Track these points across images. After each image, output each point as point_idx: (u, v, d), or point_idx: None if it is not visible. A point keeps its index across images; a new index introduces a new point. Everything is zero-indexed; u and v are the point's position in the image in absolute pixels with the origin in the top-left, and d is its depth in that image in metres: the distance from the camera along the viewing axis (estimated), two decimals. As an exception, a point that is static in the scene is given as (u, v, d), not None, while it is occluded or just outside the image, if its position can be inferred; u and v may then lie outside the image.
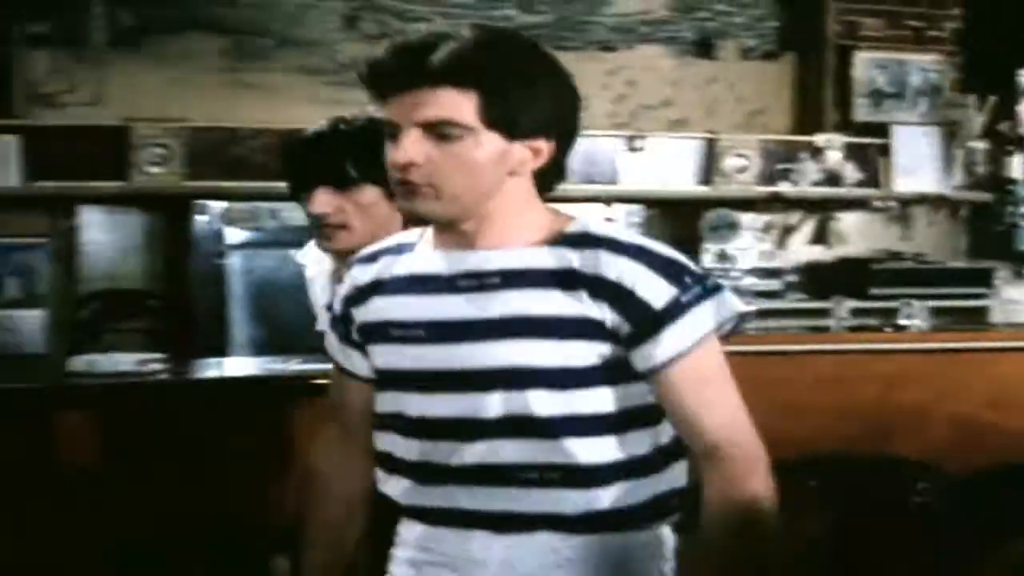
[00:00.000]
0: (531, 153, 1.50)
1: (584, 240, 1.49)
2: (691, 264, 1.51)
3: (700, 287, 1.47)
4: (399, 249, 1.60)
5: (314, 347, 1.83)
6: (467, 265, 1.51)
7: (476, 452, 1.49)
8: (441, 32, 1.47)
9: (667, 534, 1.57)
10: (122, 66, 4.46)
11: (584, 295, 1.46)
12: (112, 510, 2.64)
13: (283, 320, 4.02)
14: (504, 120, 1.46)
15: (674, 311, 1.45)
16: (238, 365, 3.61)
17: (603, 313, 1.46)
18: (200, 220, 4.28)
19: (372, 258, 1.62)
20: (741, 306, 1.51)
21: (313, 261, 2.20)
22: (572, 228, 1.52)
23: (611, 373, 1.48)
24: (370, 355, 1.59)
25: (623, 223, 4.54)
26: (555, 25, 4.89)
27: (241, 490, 2.66)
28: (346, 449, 1.64)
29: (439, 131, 1.45)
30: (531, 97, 1.47)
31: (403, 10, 4.72)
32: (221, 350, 4.08)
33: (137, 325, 4.16)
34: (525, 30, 4.56)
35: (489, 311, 1.49)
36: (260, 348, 4.04)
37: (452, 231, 1.52)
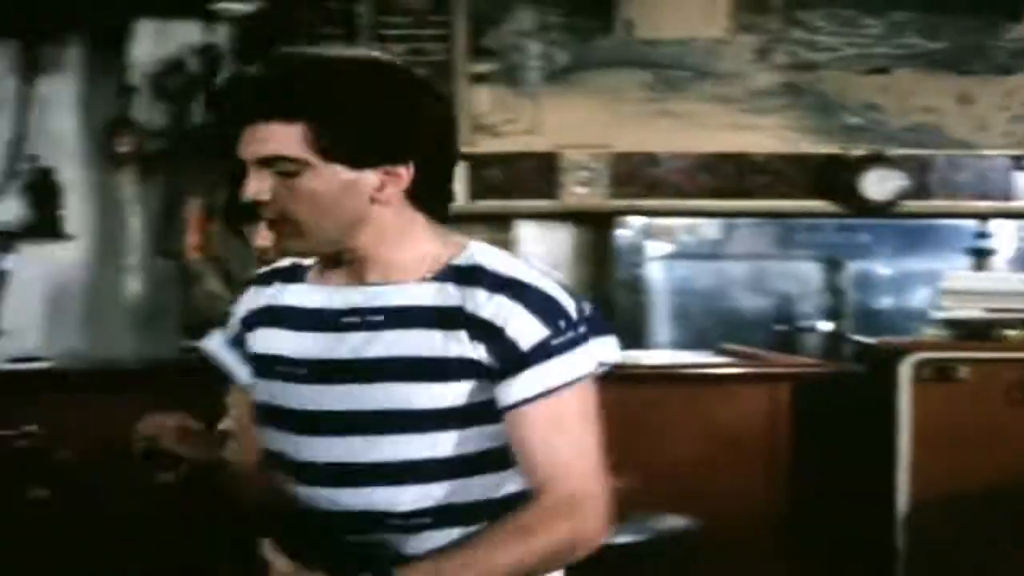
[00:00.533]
0: (387, 179, 1.63)
1: (469, 274, 1.62)
2: (573, 306, 1.62)
3: (573, 332, 1.59)
4: (293, 274, 1.75)
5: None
6: (353, 301, 1.66)
7: (356, 497, 1.62)
8: (275, 61, 1.63)
9: None
10: (555, 99, 5.69)
11: (464, 335, 1.59)
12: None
13: (697, 323, 5.01)
14: (339, 150, 1.59)
15: (539, 354, 1.58)
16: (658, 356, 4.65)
17: (479, 353, 1.59)
18: (623, 234, 5.40)
19: (267, 280, 1.79)
20: (615, 356, 1.66)
21: None
22: (460, 260, 1.64)
23: (486, 413, 1.61)
24: (255, 388, 1.77)
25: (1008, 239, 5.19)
26: (956, 51, 5.58)
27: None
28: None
29: (276, 167, 1.60)
30: (366, 124, 1.59)
31: (813, 41, 5.61)
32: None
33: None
34: (927, 56, 5.37)
35: (370, 351, 1.62)
36: (677, 349, 5.04)
37: (339, 264, 1.67)
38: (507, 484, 1.65)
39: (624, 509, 2.96)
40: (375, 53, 1.71)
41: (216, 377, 1.90)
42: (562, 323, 1.58)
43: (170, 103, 5.60)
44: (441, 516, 1.61)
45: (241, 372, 1.83)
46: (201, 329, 4.89)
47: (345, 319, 1.64)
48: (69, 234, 5.72)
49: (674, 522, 3.15)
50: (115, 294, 5.76)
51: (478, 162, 5.61)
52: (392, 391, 1.59)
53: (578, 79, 5.69)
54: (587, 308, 1.64)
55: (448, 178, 1.71)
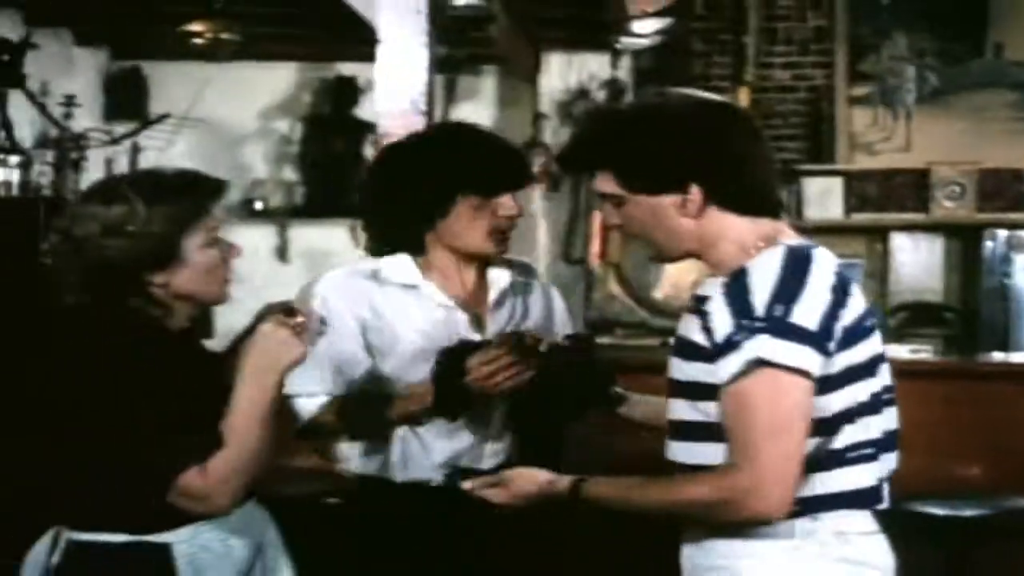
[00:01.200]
0: (680, 199, 2.17)
1: (734, 276, 2.12)
2: (764, 308, 2.05)
3: (748, 332, 2.04)
4: None
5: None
6: (698, 291, 2.23)
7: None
8: (589, 121, 2.62)
9: None
10: (926, 119, 7.09)
11: (698, 321, 2.14)
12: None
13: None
14: (634, 185, 2.16)
15: (726, 345, 2.06)
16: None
17: (701, 339, 2.13)
18: (989, 246, 6.82)
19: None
20: (796, 361, 2.03)
21: None
22: (746, 263, 2.13)
23: (703, 390, 2.15)
24: None
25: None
26: None
27: None
28: None
29: (609, 201, 2.23)
30: (644, 166, 2.17)
31: None
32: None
33: (935, 332, 6.76)
34: None
35: (680, 331, 2.23)
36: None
37: None
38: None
39: (975, 489, 3.77)
40: (667, 98, 2.29)
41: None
42: (745, 320, 2.05)
43: (575, 127, 7.40)
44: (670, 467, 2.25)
45: None
46: (602, 326, 6.65)
47: (693, 303, 2.24)
48: None
49: (1018, 502, 3.74)
50: (525, 295, 7.54)
51: (855, 178, 7.14)
52: (674, 364, 2.23)
53: (948, 100, 7.12)
54: (784, 313, 2.04)
55: (755, 180, 2.23)
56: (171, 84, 7.41)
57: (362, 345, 2.76)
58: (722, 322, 2.09)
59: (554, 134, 7.44)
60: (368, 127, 7.41)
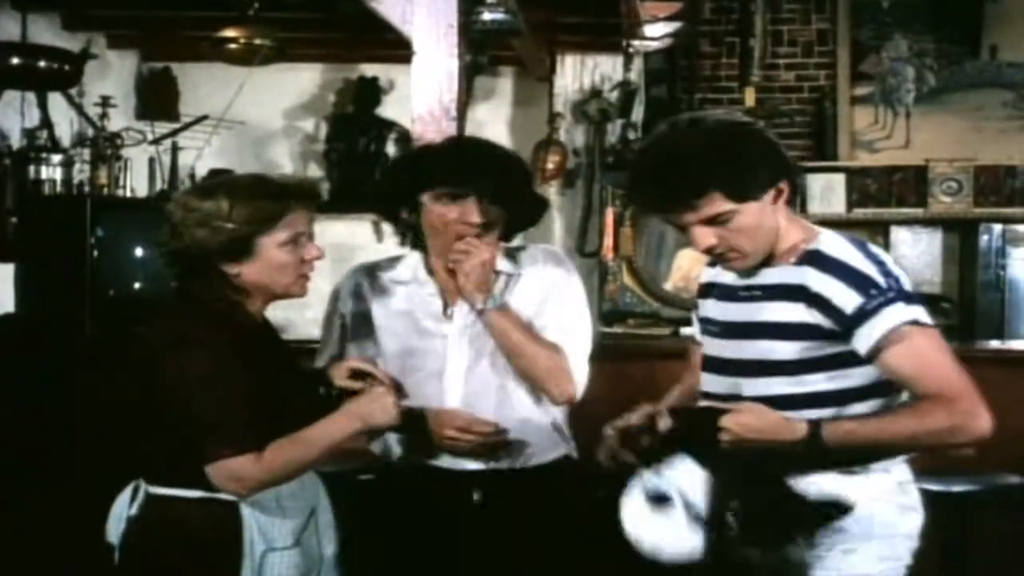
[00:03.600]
0: (776, 194, 2.44)
1: (812, 257, 2.41)
2: (883, 280, 2.34)
3: (883, 297, 2.32)
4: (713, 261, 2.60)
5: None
6: (750, 280, 2.51)
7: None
8: (671, 159, 2.40)
9: None
10: (925, 117, 7.34)
11: (802, 306, 2.39)
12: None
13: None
14: (745, 194, 2.40)
15: (860, 315, 2.33)
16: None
17: (816, 318, 2.38)
18: (985, 239, 7.04)
19: (712, 264, 2.61)
20: (924, 318, 2.35)
21: None
22: (811, 246, 2.44)
23: (819, 362, 2.40)
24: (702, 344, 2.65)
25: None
26: None
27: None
28: None
29: (715, 222, 2.42)
30: (746, 172, 2.41)
31: None
32: (999, 342, 6.75)
33: (934, 321, 6.91)
34: None
35: (754, 316, 2.48)
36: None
37: None
38: None
39: (969, 469, 3.84)
40: (711, 118, 2.50)
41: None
42: (873, 291, 2.33)
43: (589, 126, 7.58)
44: None
45: (696, 331, 2.77)
46: (615, 317, 6.86)
47: (742, 292, 2.52)
48: None
49: (1011, 479, 3.99)
50: (540, 287, 7.71)
51: (857, 174, 7.37)
52: (761, 346, 2.46)
53: (946, 99, 7.37)
54: (898, 284, 2.36)
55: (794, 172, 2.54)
56: (200, 85, 7.60)
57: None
58: (847, 299, 2.36)
59: (568, 133, 7.63)
60: (390, 125, 7.64)
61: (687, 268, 7.05)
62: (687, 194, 2.42)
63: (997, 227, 7.08)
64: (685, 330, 6.70)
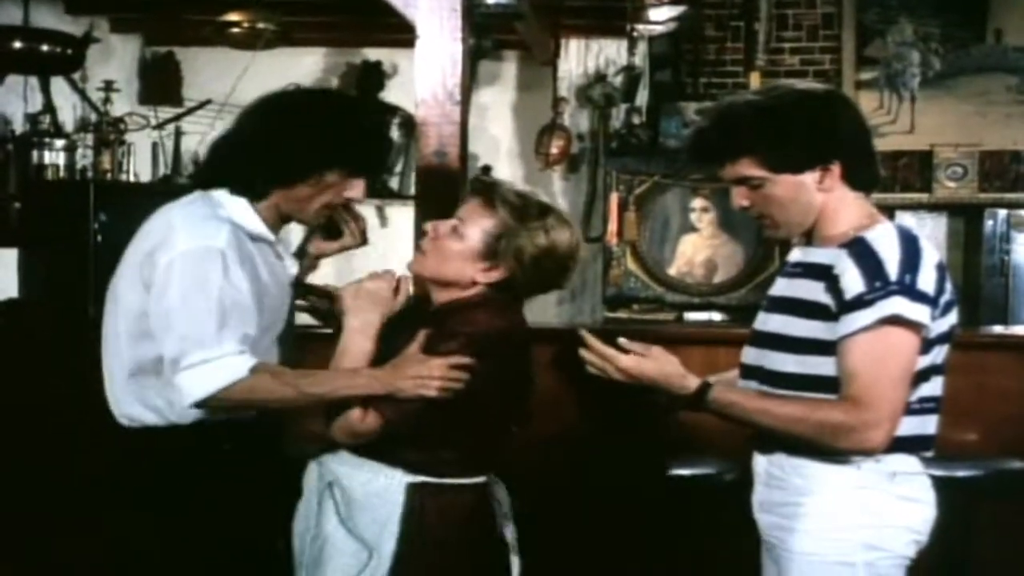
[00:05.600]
0: (824, 174, 2.44)
1: (854, 242, 2.41)
2: (896, 273, 2.33)
3: (884, 291, 2.32)
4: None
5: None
6: (797, 257, 2.57)
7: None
8: (719, 113, 2.51)
9: None
10: (930, 102, 7.31)
11: (822, 285, 2.42)
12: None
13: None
14: (782, 165, 2.44)
15: (856, 303, 2.35)
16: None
17: (827, 299, 2.41)
18: (990, 224, 7.02)
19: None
20: (918, 318, 2.34)
21: None
22: (862, 232, 2.42)
23: (832, 345, 2.39)
24: None
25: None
26: None
27: None
28: None
29: (747, 184, 2.49)
30: (795, 144, 2.42)
31: None
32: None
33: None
34: None
35: (786, 292, 2.55)
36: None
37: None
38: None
39: (971, 454, 3.88)
40: (793, 87, 2.55)
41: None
42: (879, 283, 2.33)
43: (593, 110, 7.58)
44: None
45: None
46: (619, 302, 6.87)
47: (790, 269, 2.59)
48: None
49: (1012, 464, 3.93)
50: (545, 272, 7.73)
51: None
52: (779, 320, 2.53)
53: (951, 84, 7.34)
54: (911, 279, 2.35)
55: (870, 158, 2.54)
56: (203, 69, 7.61)
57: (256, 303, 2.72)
58: (854, 284, 2.37)
59: (572, 117, 7.63)
60: (393, 110, 7.62)
61: (691, 253, 7.06)
62: (722, 152, 2.52)
63: (1002, 212, 7.07)
64: (689, 315, 6.73)
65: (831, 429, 2.39)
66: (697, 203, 7.03)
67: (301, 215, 2.80)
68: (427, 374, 2.55)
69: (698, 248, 7.07)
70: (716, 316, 6.74)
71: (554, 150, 7.47)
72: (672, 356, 2.60)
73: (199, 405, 2.60)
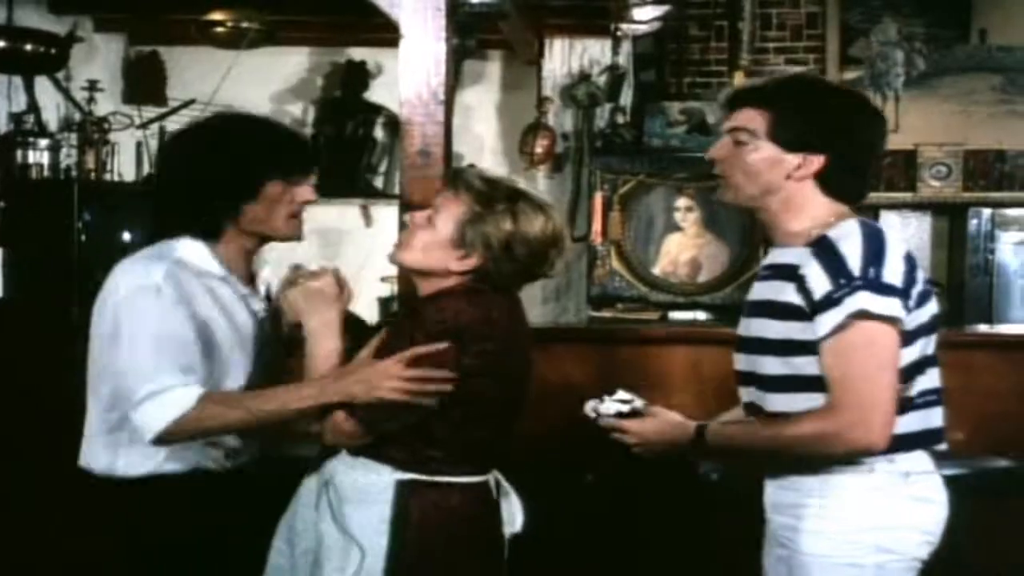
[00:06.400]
0: (803, 163, 2.45)
1: (818, 241, 2.42)
2: (860, 268, 2.34)
3: (848, 287, 2.33)
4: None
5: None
6: (768, 260, 2.59)
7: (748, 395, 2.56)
8: (775, 75, 2.65)
9: None
10: (914, 101, 7.31)
11: (792, 286, 2.42)
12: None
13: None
14: (780, 134, 2.45)
15: (825, 303, 2.35)
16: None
17: (798, 300, 2.41)
18: (974, 224, 7.04)
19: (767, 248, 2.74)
20: (887, 312, 2.33)
21: None
22: (827, 231, 2.43)
23: (801, 346, 2.40)
24: None
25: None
26: None
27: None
28: None
29: (735, 136, 2.51)
30: (805, 119, 2.44)
31: None
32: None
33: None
34: None
35: (757, 295, 2.57)
36: (1025, 324, 6.73)
37: (767, 230, 2.59)
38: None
39: (957, 452, 3.79)
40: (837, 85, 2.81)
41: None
42: (843, 280, 2.34)
43: (578, 110, 7.54)
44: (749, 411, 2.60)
45: None
46: (603, 301, 6.88)
47: (763, 272, 2.62)
48: None
49: (998, 463, 4.05)
50: (529, 271, 7.73)
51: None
52: (758, 324, 2.54)
53: (935, 83, 7.36)
54: (876, 274, 2.35)
55: (858, 171, 2.52)
56: (187, 69, 7.59)
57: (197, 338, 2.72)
58: (820, 283, 2.38)
59: (556, 117, 7.62)
60: (378, 109, 7.63)
61: (675, 253, 7.07)
62: (743, 95, 2.57)
63: (986, 211, 7.09)
64: (674, 314, 6.74)
65: (817, 438, 2.40)
66: (681, 202, 7.04)
67: (272, 233, 2.82)
68: (375, 378, 2.53)
69: (682, 247, 7.09)
70: (700, 315, 6.74)
71: (538, 149, 7.46)
72: (667, 413, 2.67)
73: (160, 441, 2.64)
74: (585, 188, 7.47)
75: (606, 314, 6.86)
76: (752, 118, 2.51)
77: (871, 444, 2.38)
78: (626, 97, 7.42)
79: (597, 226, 7.21)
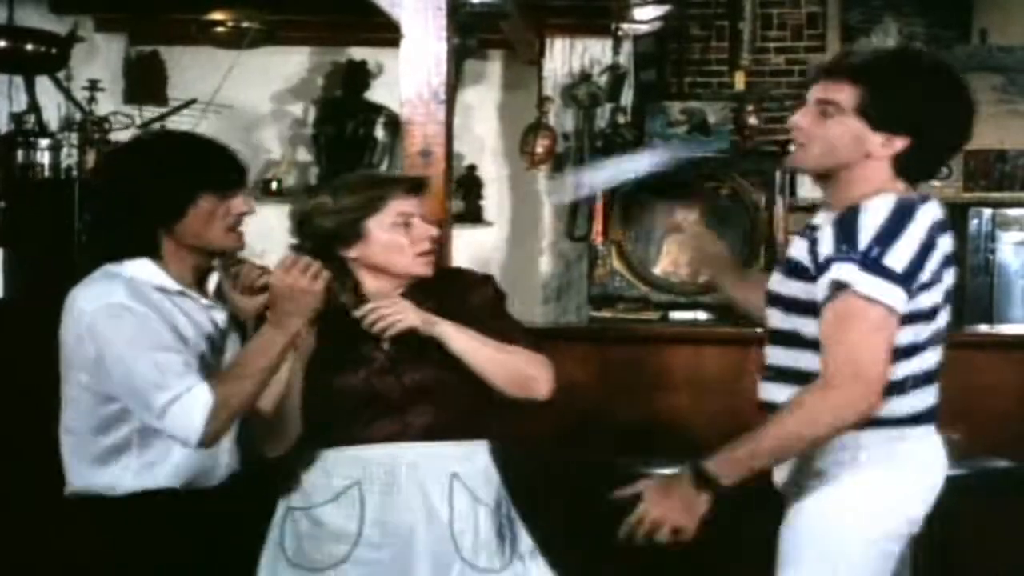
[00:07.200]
0: (885, 143, 2.44)
1: (848, 209, 2.42)
2: (867, 243, 2.34)
3: (849, 257, 2.34)
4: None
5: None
6: (819, 220, 2.55)
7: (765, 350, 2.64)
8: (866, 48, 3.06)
9: None
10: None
11: (806, 244, 2.49)
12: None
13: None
14: (868, 111, 2.43)
15: (826, 265, 2.38)
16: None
17: (808, 260, 2.47)
18: (975, 224, 7.06)
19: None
20: (885, 298, 2.33)
21: None
22: (862, 202, 2.42)
23: (813, 306, 2.43)
24: None
25: None
26: None
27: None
28: None
29: (821, 108, 2.49)
30: (897, 101, 2.41)
31: None
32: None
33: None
34: None
35: (792, 254, 2.59)
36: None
37: (831, 197, 2.54)
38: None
39: (957, 452, 3.99)
40: (931, 56, 2.67)
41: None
42: (844, 246, 2.35)
43: (578, 110, 7.51)
44: (776, 372, 2.58)
45: None
46: (604, 301, 6.88)
47: (807, 229, 2.59)
48: (488, 221, 7.75)
49: (998, 463, 4.04)
50: (530, 272, 7.61)
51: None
52: (778, 279, 2.60)
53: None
54: (877, 252, 2.35)
55: (936, 158, 2.62)
56: (188, 68, 7.59)
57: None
58: (825, 246, 2.40)
59: (557, 117, 7.60)
60: (378, 109, 7.62)
61: (676, 253, 7.06)
62: (841, 66, 2.54)
63: (987, 211, 7.11)
64: (675, 314, 6.74)
65: (825, 413, 2.40)
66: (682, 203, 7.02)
67: (211, 246, 2.83)
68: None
69: (683, 248, 7.06)
70: (701, 315, 6.73)
71: (539, 149, 7.44)
72: (661, 490, 2.54)
73: (204, 442, 2.66)
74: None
75: (607, 314, 6.85)
76: (843, 91, 2.48)
77: (872, 407, 2.40)
78: (627, 97, 7.41)
79: (598, 226, 7.20)
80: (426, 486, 2.78)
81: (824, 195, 2.62)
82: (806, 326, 2.48)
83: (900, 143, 2.46)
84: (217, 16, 6.29)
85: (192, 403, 2.61)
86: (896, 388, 2.46)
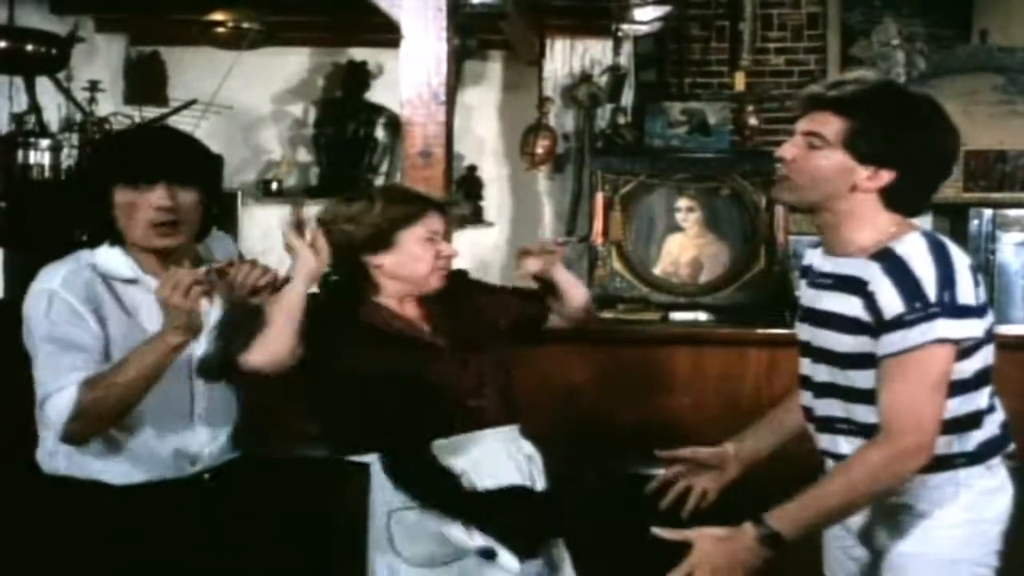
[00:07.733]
0: (872, 176, 2.41)
1: (883, 254, 2.39)
2: (935, 292, 2.31)
3: (924, 312, 2.31)
4: (818, 243, 2.63)
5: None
6: (826, 267, 2.55)
7: (809, 401, 2.59)
8: (851, 76, 2.48)
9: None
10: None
11: (857, 300, 2.41)
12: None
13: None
14: (854, 144, 2.41)
15: (895, 323, 2.33)
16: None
17: (865, 315, 2.40)
18: (975, 224, 7.05)
19: (816, 245, 2.66)
20: (960, 335, 2.34)
21: None
22: (890, 243, 2.40)
23: (869, 359, 2.39)
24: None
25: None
26: None
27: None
28: None
29: (809, 140, 2.46)
30: (883, 134, 2.39)
31: None
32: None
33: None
34: None
35: (818, 304, 2.55)
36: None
37: (823, 235, 2.55)
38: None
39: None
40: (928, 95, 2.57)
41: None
42: (918, 304, 2.32)
43: (579, 110, 7.54)
44: (831, 424, 2.56)
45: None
46: (604, 302, 6.89)
47: (819, 280, 2.58)
48: (489, 221, 7.78)
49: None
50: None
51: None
52: (822, 334, 2.53)
53: (936, 83, 7.35)
54: (951, 298, 2.34)
55: (924, 190, 2.53)
56: (188, 69, 7.60)
57: (100, 338, 2.77)
58: (892, 303, 2.37)
59: (557, 117, 7.61)
60: (379, 110, 7.63)
61: (676, 253, 7.06)
62: (825, 97, 2.49)
63: (987, 212, 7.10)
64: (675, 315, 6.74)
65: (880, 469, 2.39)
66: (683, 203, 7.01)
67: (136, 240, 2.82)
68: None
69: (684, 248, 7.06)
70: (702, 316, 6.72)
71: (539, 150, 7.44)
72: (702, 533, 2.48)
73: (69, 439, 2.76)
74: (586, 189, 7.42)
75: (607, 315, 6.83)
76: (829, 123, 2.47)
77: (922, 463, 2.41)
78: (627, 97, 7.41)
79: (598, 226, 7.17)
80: (516, 467, 2.89)
81: (827, 237, 2.61)
82: (861, 379, 2.48)
83: (887, 176, 2.46)
84: (217, 17, 6.30)
85: (59, 402, 2.69)
86: (978, 418, 2.53)
